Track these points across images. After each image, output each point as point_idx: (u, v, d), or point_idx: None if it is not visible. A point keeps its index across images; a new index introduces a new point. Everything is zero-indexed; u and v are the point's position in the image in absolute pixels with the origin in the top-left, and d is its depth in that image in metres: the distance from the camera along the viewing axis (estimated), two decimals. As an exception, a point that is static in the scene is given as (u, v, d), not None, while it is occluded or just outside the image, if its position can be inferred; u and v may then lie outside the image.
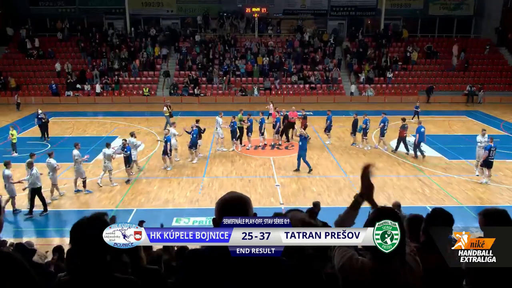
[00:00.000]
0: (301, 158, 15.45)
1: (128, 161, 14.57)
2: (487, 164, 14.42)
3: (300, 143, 15.46)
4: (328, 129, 19.18)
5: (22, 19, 33.90)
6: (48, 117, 20.17)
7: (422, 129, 17.12)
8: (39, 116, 19.40)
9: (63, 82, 29.93)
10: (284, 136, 19.39)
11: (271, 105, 21.27)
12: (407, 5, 35.66)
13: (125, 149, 14.41)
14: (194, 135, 16.35)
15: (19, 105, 26.15)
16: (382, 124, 18.12)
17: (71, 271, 2.22)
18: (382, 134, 18.24)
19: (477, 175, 14.95)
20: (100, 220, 2.21)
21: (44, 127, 19.58)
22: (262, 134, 18.49)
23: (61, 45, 32.93)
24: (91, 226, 2.17)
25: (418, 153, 17.21)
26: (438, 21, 36.02)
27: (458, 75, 31.88)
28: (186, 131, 16.60)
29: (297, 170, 15.59)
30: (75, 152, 13.41)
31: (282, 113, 19.47)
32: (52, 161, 12.80)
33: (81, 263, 2.15)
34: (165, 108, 20.42)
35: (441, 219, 3.10)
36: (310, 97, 29.78)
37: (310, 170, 15.51)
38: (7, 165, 12.12)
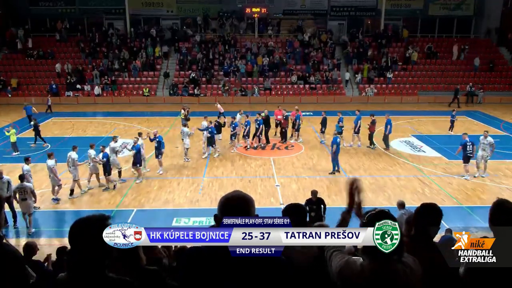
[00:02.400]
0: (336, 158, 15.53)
1: (106, 169, 13.68)
2: (466, 159, 14.87)
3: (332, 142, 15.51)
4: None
5: (22, 19, 33.92)
6: (44, 119, 20.02)
7: (391, 122, 18.23)
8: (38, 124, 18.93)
9: (63, 82, 29.95)
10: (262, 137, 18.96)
11: (219, 105, 21.79)
12: (407, 5, 35.67)
13: (103, 156, 13.60)
14: (162, 142, 15.27)
15: (50, 107, 25.94)
16: (358, 121, 18.47)
17: (69, 270, 2.22)
18: (357, 131, 18.51)
19: (476, 176, 15.00)
20: (103, 222, 2.20)
21: (35, 130, 18.96)
22: (255, 135, 18.51)
23: (60, 46, 32.90)
24: (93, 226, 2.17)
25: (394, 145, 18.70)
26: (438, 21, 36.02)
27: (458, 75, 31.88)
28: (150, 139, 15.43)
29: (333, 172, 15.54)
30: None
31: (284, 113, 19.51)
32: (92, 152, 13.68)
33: (78, 262, 2.15)
34: (182, 111, 20.56)
35: (431, 213, 3.10)
36: (310, 97, 29.79)
37: (332, 172, 15.51)
38: (50, 156, 12.82)
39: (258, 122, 18.20)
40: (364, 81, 31.19)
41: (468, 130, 21.90)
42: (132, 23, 34.13)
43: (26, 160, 12.72)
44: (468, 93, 29.74)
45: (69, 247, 2.25)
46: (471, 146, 14.64)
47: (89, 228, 2.16)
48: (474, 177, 14.94)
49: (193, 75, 30.43)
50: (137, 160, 14.45)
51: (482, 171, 15.07)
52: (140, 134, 15.45)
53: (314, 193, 10.47)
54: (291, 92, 30.42)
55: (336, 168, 15.59)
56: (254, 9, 34.01)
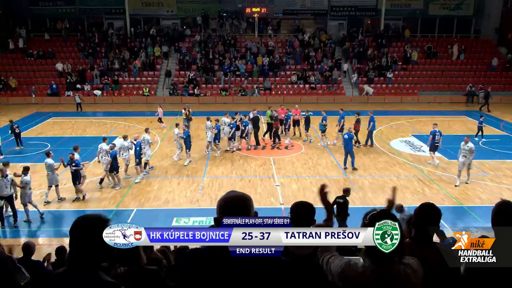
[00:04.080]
0: (349, 156, 15.69)
1: (77, 177, 12.95)
2: (434, 148, 16.00)
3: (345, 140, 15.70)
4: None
5: (22, 19, 33.93)
6: (45, 118, 19.97)
7: (374, 119, 18.52)
8: (14, 127, 18.38)
9: (63, 82, 29.95)
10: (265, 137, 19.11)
11: (160, 108, 21.99)
12: (407, 5, 35.68)
13: (75, 163, 12.85)
14: (137, 148, 14.42)
15: (79, 105, 26.33)
16: (341, 120, 18.73)
17: (65, 266, 2.23)
18: (341, 129, 18.73)
19: (457, 185, 14.25)
20: (103, 223, 2.20)
21: (17, 136, 18.59)
22: (245, 136, 18.23)
23: (58, 46, 32.87)
24: (93, 225, 2.17)
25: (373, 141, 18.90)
26: (438, 21, 36.04)
27: (458, 75, 31.89)
28: (133, 143, 14.68)
29: (350, 168, 15.77)
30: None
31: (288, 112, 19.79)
32: (128, 142, 14.41)
33: (74, 259, 2.16)
34: (183, 111, 20.62)
35: (430, 214, 3.10)
36: (310, 97, 29.79)
37: (346, 168, 15.82)
38: (48, 154, 12.85)
39: (244, 123, 17.86)
40: (364, 81, 31.18)
41: (469, 130, 21.96)
42: (132, 23, 34.14)
43: (48, 155, 12.85)
44: (468, 93, 29.77)
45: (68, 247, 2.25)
46: (439, 136, 15.80)
47: (89, 227, 2.16)
48: (456, 186, 14.15)
49: (193, 75, 30.44)
50: (115, 166, 13.73)
51: (466, 177, 14.34)
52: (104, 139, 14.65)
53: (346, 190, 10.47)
54: (291, 92, 30.42)
55: (345, 167, 15.85)
56: (254, 9, 34.04)
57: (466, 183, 14.34)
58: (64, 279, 2.17)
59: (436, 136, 15.85)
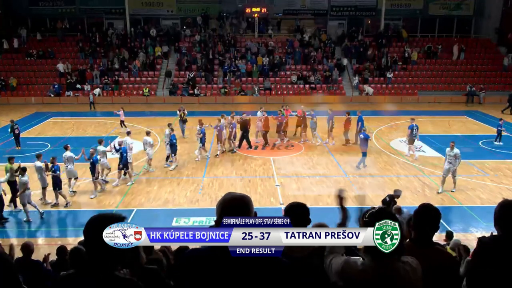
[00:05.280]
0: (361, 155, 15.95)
1: (57, 182, 12.49)
2: (412, 141, 17.02)
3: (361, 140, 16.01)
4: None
5: (22, 19, 33.93)
6: (45, 118, 19.98)
7: (362, 118, 18.74)
8: (14, 127, 18.40)
9: (63, 82, 29.95)
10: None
11: (122, 111, 21.39)
12: (407, 5, 35.68)
13: (53, 168, 12.42)
14: (124, 154, 14.00)
15: (92, 104, 26.62)
16: (330, 121, 18.97)
17: (77, 266, 2.22)
18: (330, 129, 19.06)
19: (440, 192, 13.67)
20: (120, 222, 2.20)
21: (16, 136, 18.61)
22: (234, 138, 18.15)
23: (51, 46, 32.77)
24: (110, 224, 2.17)
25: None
26: (438, 21, 36.04)
27: (458, 75, 31.89)
28: (115, 149, 14.34)
29: (351, 168, 15.95)
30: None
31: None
32: (148, 139, 15.11)
33: (90, 258, 2.16)
34: (178, 112, 20.54)
35: (430, 215, 3.10)
36: (310, 97, 29.78)
37: (366, 166, 15.96)
38: (38, 157, 12.81)
39: (231, 125, 17.61)
40: (362, 81, 31.17)
41: (468, 130, 21.97)
42: (132, 23, 34.14)
43: (66, 148, 13.40)
44: (468, 93, 29.76)
45: (69, 247, 2.25)
46: (416, 130, 16.84)
47: (103, 226, 2.16)
48: (438, 192, 13.62)
49: (193, 75, 30.42)
50: (93, 171, 13.26)
51: (452, 185, 13.72)
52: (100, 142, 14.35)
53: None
54: (291, 92, 30.42)
55: (361, 165, 15.92)
56: (254, 9, 34.05)
57: (452, 191, 13.67)
58: (80, 279, 2.18)
59: (414, 130, 16.73)
